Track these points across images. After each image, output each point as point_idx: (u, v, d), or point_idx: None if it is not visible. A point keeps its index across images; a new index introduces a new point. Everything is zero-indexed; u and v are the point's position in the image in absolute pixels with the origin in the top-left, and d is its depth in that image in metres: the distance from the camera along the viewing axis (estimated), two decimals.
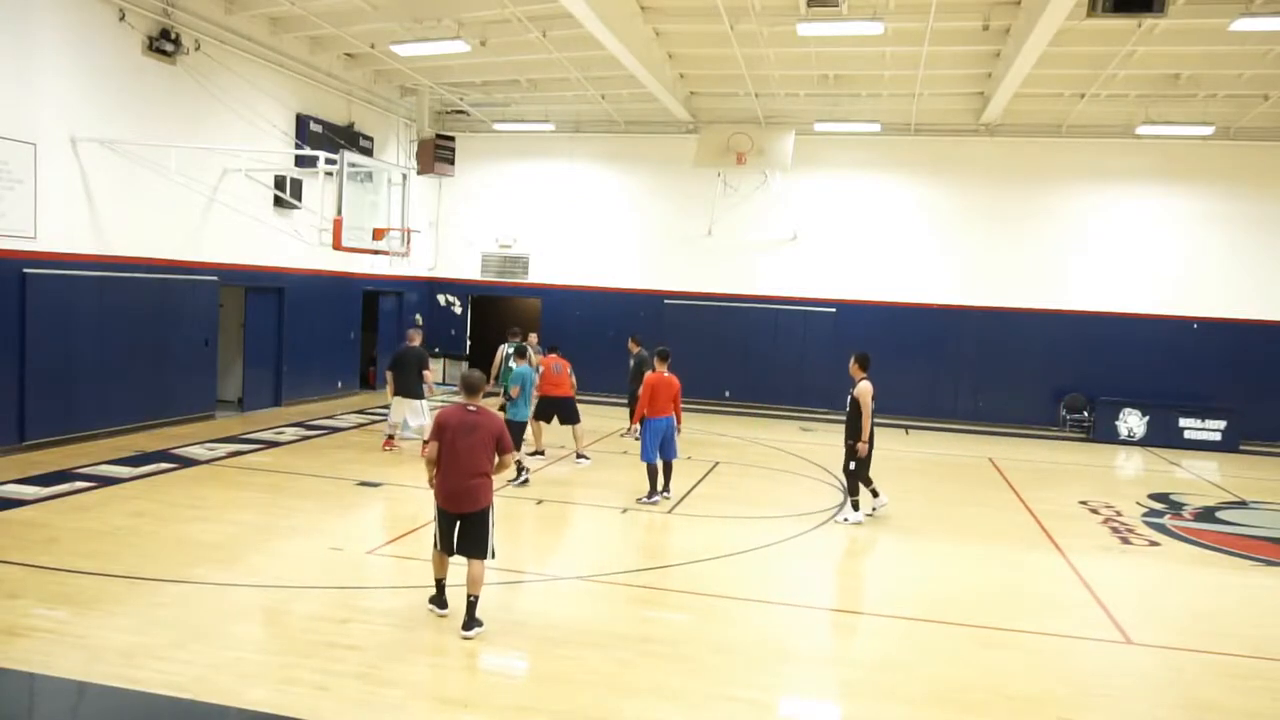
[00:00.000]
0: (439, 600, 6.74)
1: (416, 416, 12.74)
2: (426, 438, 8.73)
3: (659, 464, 10.79)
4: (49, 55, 11.59)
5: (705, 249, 20.01)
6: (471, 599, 6.37)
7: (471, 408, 6.53)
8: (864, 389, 10.29)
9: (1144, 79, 15.68)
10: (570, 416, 13.42)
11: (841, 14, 12.23)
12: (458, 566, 6.61)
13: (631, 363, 14.67)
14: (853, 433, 10.24)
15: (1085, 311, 18.65)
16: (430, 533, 6.84)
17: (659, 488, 10.79)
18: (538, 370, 13.12)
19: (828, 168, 19.49)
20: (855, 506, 10.32)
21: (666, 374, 10.79)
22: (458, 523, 6.50)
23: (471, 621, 6.34)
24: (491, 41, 14.94)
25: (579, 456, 13.21)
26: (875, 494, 10.63)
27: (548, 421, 13.51)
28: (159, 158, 12.81)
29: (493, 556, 6.60)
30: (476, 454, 6.39)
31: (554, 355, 13.64)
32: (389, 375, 12.96)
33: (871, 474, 10.53)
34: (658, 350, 11.21)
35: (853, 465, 10.26)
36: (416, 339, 13.21)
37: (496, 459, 6.53)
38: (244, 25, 14.70)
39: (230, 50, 14.45)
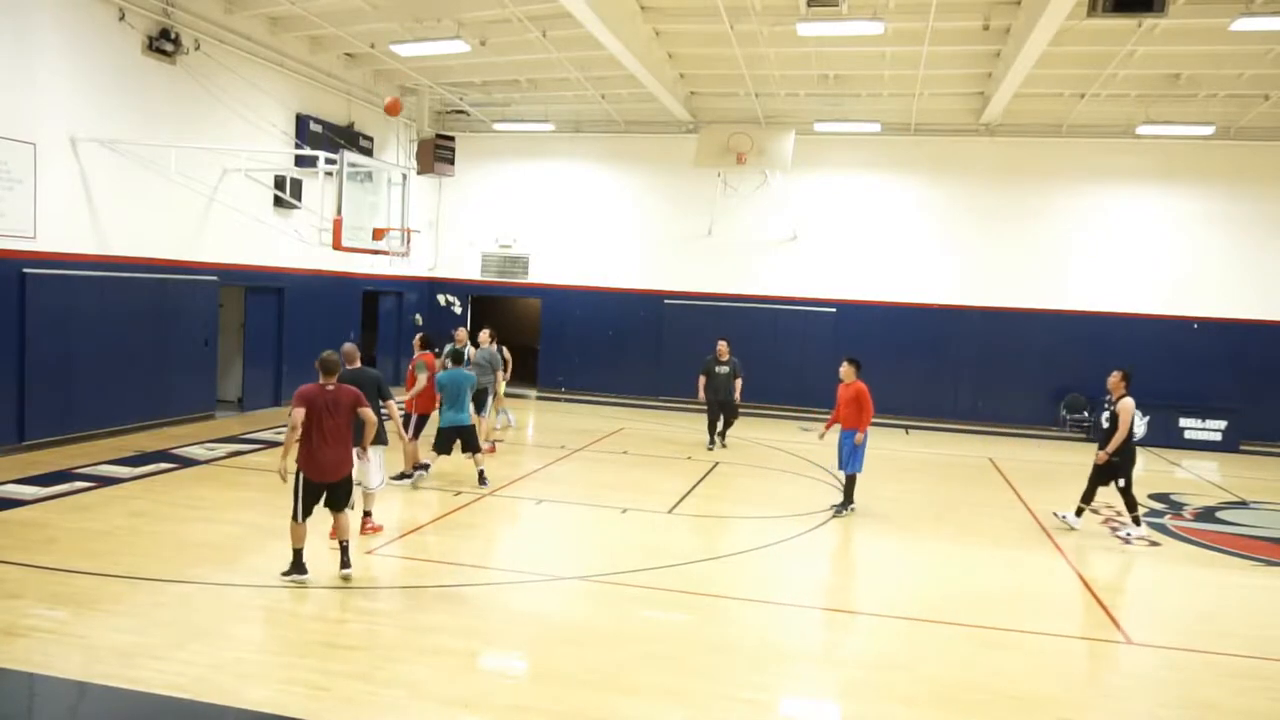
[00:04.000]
0: (299, 567, 7.22)
1: (377, 471, 8.92)
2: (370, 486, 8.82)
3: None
4: (49, 55, 11.58)
5: (705, 249, 20.01)
6: (344, 543, 7.38)
7: (330, 386, 7.22)
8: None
9: (1144, 79, 15.68)
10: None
11: (841, 14, 12.23)
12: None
13: (725, 369, 14.72)
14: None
15: (1085, 311, 18.65)
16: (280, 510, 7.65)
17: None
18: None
19: (828, 168, 19.48)
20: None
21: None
22: (324, 492, 7.32)
23: (348, 561, 7.31)
24: (491, 41, 14.93)
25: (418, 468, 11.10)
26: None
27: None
28: (159, 158, 12.81)
29: (352, 508, 7.61)
30: (342, 430, 7.22)
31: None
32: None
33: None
34: (852, 359, 10.87)
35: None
36: (355, 359, 9.06)
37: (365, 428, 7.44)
38: (244, 25, 14.69)
39: (230, 50, 14.45)
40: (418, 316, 21.15)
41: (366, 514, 8.86)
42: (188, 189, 13.44)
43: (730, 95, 18.19)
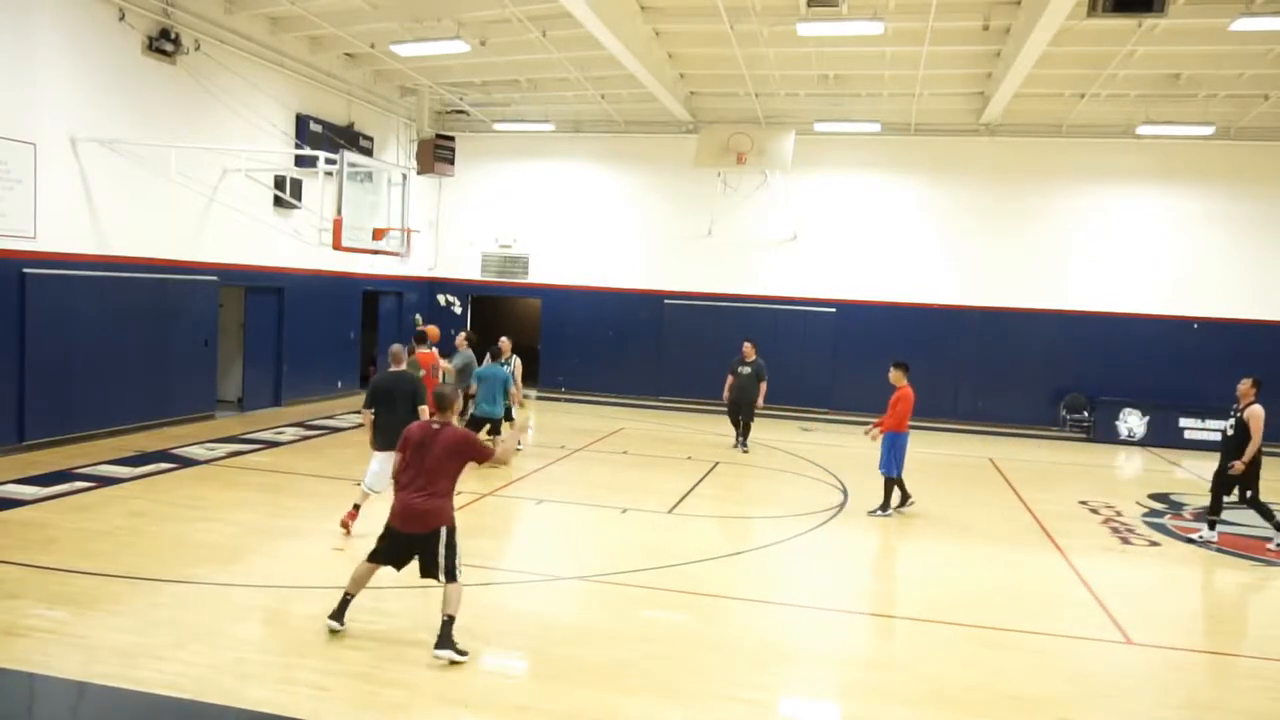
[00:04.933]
0: (338, 613, 6.18)
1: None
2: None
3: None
4: (49, 55, 11.58)
5: (705, 249, 20.01)
6: (448, 618, 5.94)
7: (435, 424, 6.19)
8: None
9: (1144, 79, 15.68)
10: None
11: (841, 14, 12.22)
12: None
13: (748, 370, 14.73)
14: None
15: (1085, 311, 18.65)
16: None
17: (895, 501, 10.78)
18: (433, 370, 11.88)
19: (828, 168, 19.48)
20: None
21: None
22: (407, 543, 6.12)
23: (443, 642, 5.87)
24: (491, 41, 14.93)
25: None
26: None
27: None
28: (159, 158, 12.80)
29: (450, 579, 6.04)
30: (434, 473, 6.08)
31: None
32: (368, 416, 8.75)
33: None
34: (900, 363, 10.96)
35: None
36: (402, 360, 9.05)
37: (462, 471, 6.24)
38: (244, 25, 14.69)
39: (230, 50, 14.45)
40: (418, 316, 21.15)
41: (355, 507, 8.80)
42: (188, 189, 13.44)
43: (730, 95, 18.19)
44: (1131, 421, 18.06)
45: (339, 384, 18.33)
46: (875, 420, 11.05)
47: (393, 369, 8.86)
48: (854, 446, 15.90)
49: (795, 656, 6.48)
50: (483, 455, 6.23)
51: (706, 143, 18.55)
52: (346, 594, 6.23)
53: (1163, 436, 17.74)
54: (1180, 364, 18.14)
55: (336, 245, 12.78)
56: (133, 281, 13.01)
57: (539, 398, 20.44)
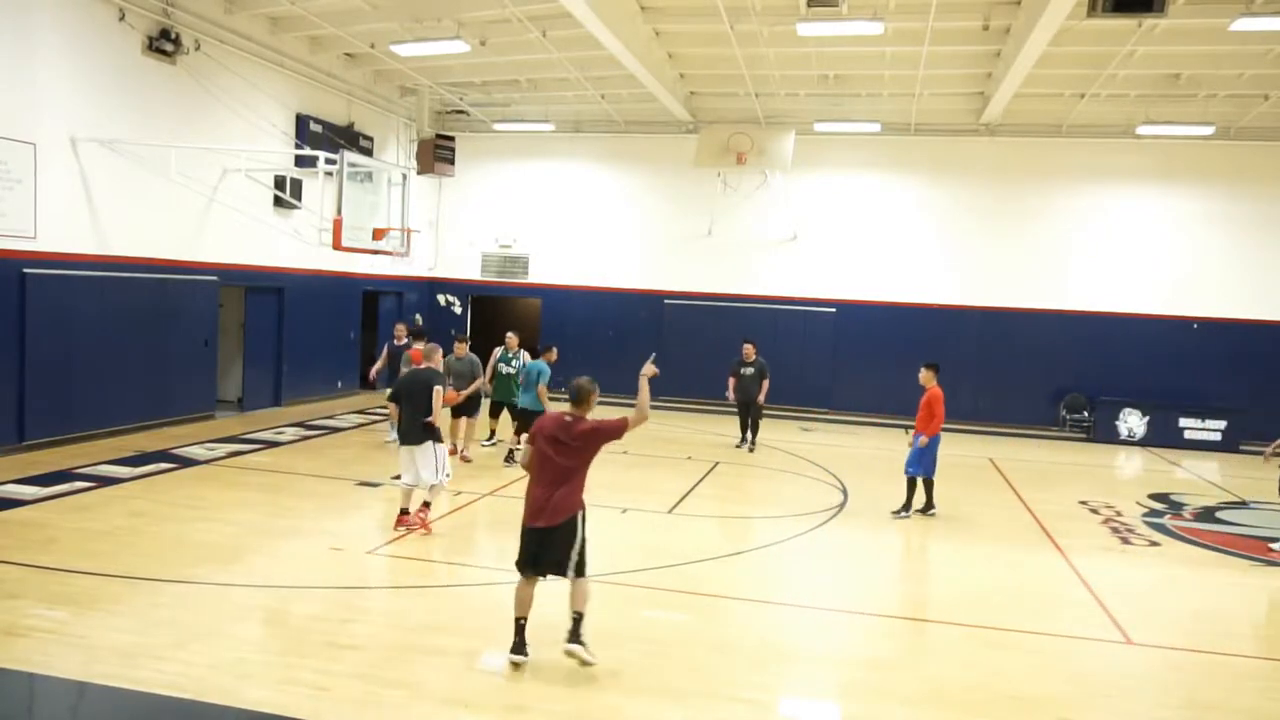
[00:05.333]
0: (518, 647, 5.84)
1: (429, 467, 9.00)
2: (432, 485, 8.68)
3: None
4: (49, 55, 11.58)
5: (705, 249, 20.01)
6: (577, 614, 5.86)
7: (569, 417, 5.99)
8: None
9: (1144, 79, 15.68)
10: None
11: (841, 14, 12.23)
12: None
13: (750, 370, 14.83)
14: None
15: (1085, 311, 18.65)
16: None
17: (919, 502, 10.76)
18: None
19: (828, 168, 19.48)
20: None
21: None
22: (539, 538, 5.92)
23: (575, 636, 5.82)
24: (491, 41, 14.93)
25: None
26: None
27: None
28: (159, 158, 12.80)
29: (579, 574, 5.90)
30: (567, 467, 5.89)
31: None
32: (393, 410, 9.44)
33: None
34: (931, 364, 10.95)
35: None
36: (434, 356, 9.41)
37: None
38: (244, 25, 14.69)
39: (230, 50, 14.45)
40: (418, 317, 21.15)
41: (424, 504, 9.06)
42: (188, 189, 13.44)
43: (730, 95, 18.19)
44: (1131, 421, 18.06)
45: (339, 384, 18.33)
46: (913, 426, 10.93)
47: (414, 367, 9.42)
48: (854, 446, 15.91)
49: (795, 656, 6.47)
50: (619, 429, 5.91)
51: (706, 143, 18.55)
52: (518, 619, 5.89)
53: (1163, 436, 17.75)
54: (1180, 364, 18.15)
55: (336, 245, 12.79)
56: (133, 281, 13.01)
57: None
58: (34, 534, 8.12)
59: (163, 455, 11.74)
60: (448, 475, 9.21)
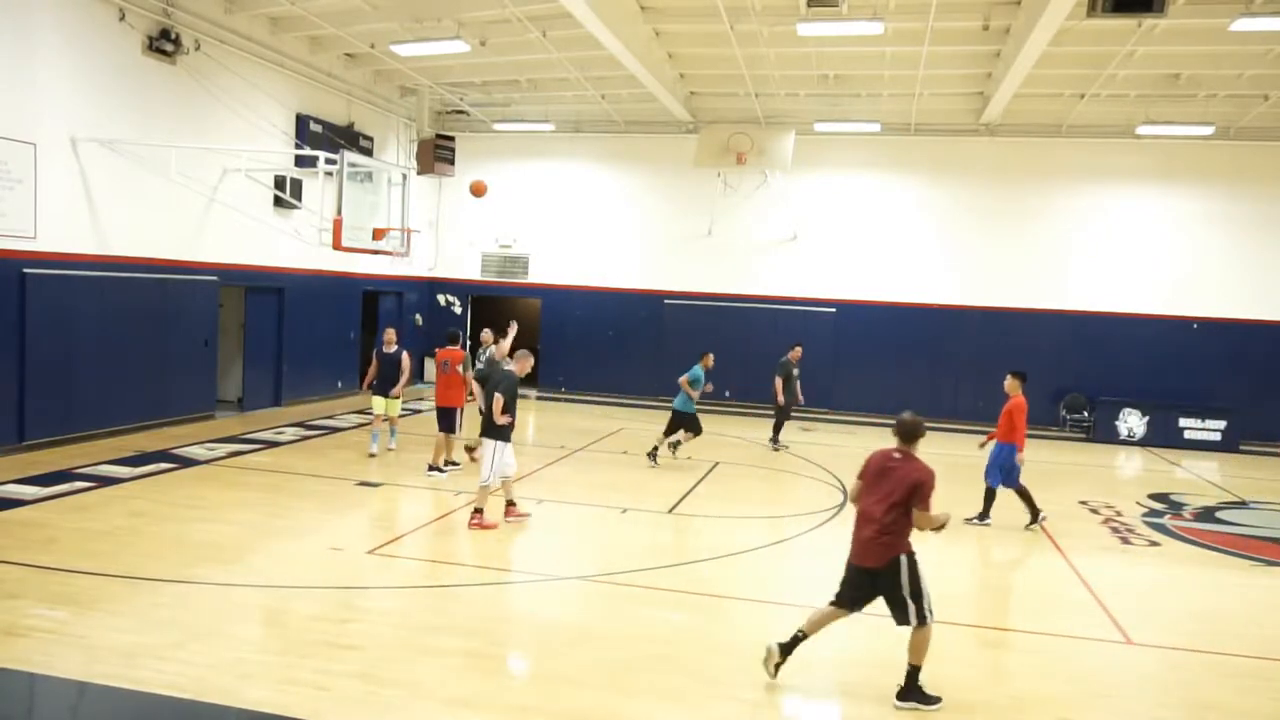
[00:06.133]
0: (787, 646, 5.78)
1: (485, 464, 9.26)
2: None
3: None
4: (49, 55, 11.58)
5: (705, 249, 20.01)
6: (912, 667, 5.65)
7: (897, 454, 5.87)
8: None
9: (1144, 79, 15.68)
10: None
11: (841, 14, 12.23)
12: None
13: (797, 372, 15.07)
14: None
15: (1085, 311, 18.65)
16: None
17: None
18: (444, 367, 11.87)
19: (828, 168, 19.49)
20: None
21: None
22: (859, 579, 5.81)
23: (906, 692, 5.61)
24: (491, 41, 14.93)
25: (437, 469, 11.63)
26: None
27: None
28: (159, 158, 12.80)
29: (921, 622, 5.67)
30: (888, 506, 5.74)
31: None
32: (476, 390, 10.33)
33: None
34: (1017, 372, 10.56)
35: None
36: (522, 361, 9.61)
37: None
38: (244, 25, 14.69)
39: (230, 50, 14.45)
40: (418, 317, 21.16)
41: (478, 511, 9.18)
42: (188, 189, 13.44)
43: (730, 95, 18.19)
44: (1131, 421, 18.06)
45: (339, 384, 18.33)
46: (989, 433, 10.78)
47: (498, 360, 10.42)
48: (854, 446, 15.89)
49: (795, 656, 6.47)
50: (924, 506, 5.75)
51: (706, 143, 18.56)
52: (801, 631, 5.81)
53: (1163, 436, 17.75)
54: (1180, 364, 18.15)
55: (336, 245, 12.79)
56: (133, 281, 13.01)
57: (539, 397, 20.43)
58: (34, 534, 8.12)
59: (163, 455, 11.74)
60: (496, 477, 9.22)
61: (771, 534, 9.74)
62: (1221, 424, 17.67)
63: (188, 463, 11.49)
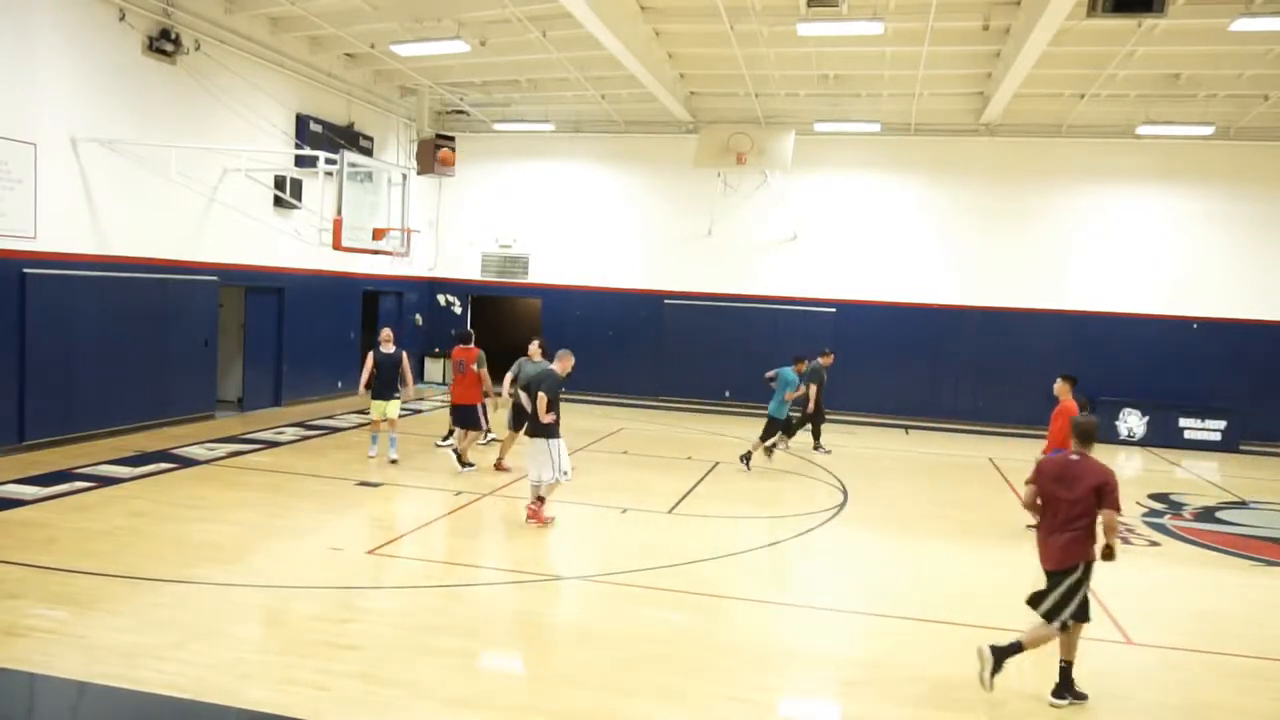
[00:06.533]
0: (1001, 654, 5.69)
1: (546, 466, 9.25)
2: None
3: None
4: (49, 55, 11.58)
5: (705, 249, 20.01)
6: (1064, 664, 5.70)
7: (1074, 456, 5.83)
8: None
9: (1144, 79, 15.68)
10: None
11: (841, 14, 12.23)
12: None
13: (816, 385, 14.63)
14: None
15: (1085, 311, 18.65)
16: None
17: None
18: (460, 366, 12.02)
19: (828, 168, 19.49)
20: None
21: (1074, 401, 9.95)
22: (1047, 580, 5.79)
23: (1060, 689, 5.66)
24: (491, 41, 14.94)
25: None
26: None
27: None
28: (159, 158, 12.80)
29: (1062, 627, 5.66)
30: (1070, 511, 5.71)
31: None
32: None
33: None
34: (1067, 376, 10.15)
35: None
36: (564, 360, 9.57)
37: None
38: (244, 25, 14.70)
39: (230, 50, 14.45)
40: (418, 317, 21.16)
41: (538, 499, 9.37)
42: (188, 189, 13.44)
43: (730, 95, 18.19)
44: (1131, 421, 18.06)
45: (339, 384, 18.31)
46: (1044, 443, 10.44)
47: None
48: (854, 446, 15.90)
49: (795, 656, 6.47)
50: (1113, 507, 5.67)
51: (706, 143, 18.56)
52: (1018, 644, 5.75)
53: (1163, 436, 17.75)
54: (1180, 364, 18.15)
55: (336, 245, 12.79)
56: (133, 281, 13.01)
57: None
58: (34, 534, 8.13)
59: (163, 455, 11.74)
60: (565, 473, 9.30)
61: (771, 534, 9.74)
62: (1221, 424, 17.68)
63: (188, 463, 11.49)
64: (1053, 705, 5.61)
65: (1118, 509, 5.67)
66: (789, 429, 13.60)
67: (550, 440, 9.17)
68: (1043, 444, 17.30)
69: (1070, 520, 5.68)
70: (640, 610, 7.15)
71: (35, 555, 7.52)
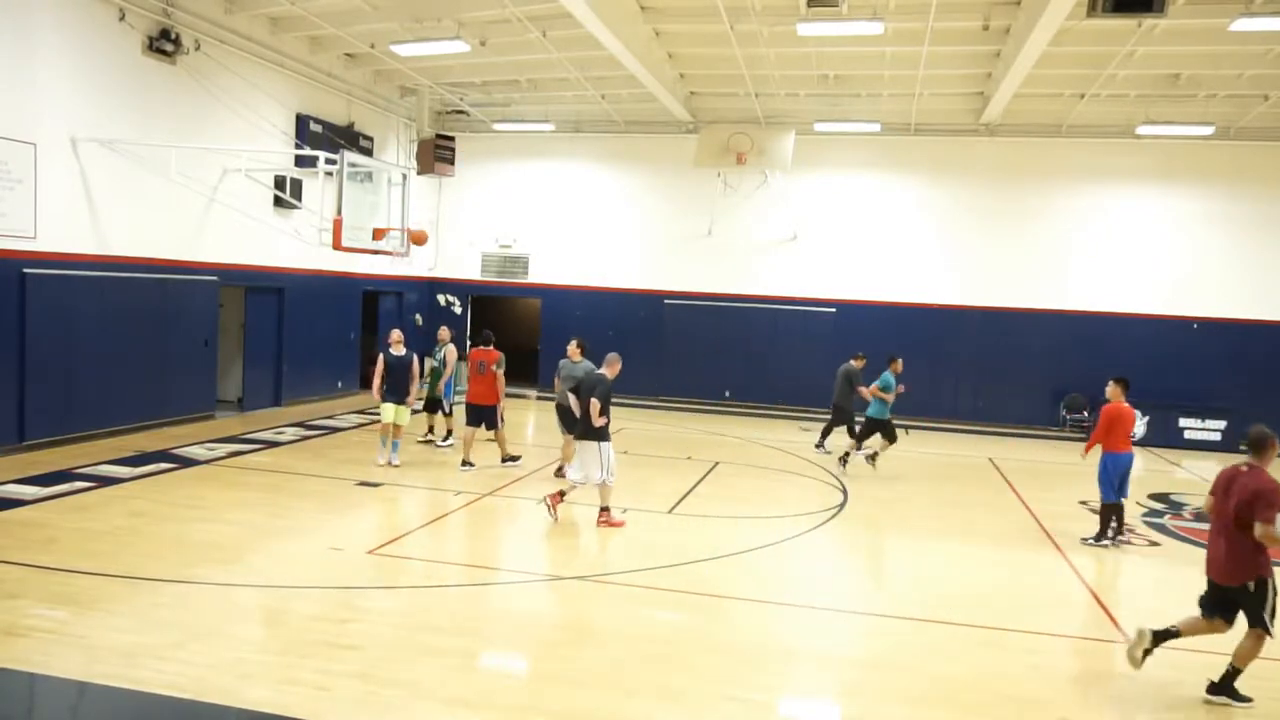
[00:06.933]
0: (1161, 640, 5.88)
1: (595, 466, 9.50)
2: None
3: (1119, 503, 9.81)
4: (49, 55, 11.58)
5: (705, 249, 20.01)
6: (1228, 668, 5.78)
7: (1244, 467, 5.82)
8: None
9: (1144, 79, 15.69)
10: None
11: (841, 14, 12.23)
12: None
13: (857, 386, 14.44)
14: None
15: (1085, 311, 18.65)
16: None
17: (1111, 530, 9.81)
18: (480, 367, 12.07)
19: (828, 168, 19.49)
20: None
21: (1125, 404, 9.78)
22: (1220, 593, 5.81)
23: (1217, 686, 5.76)
24: (491, 41, 14.94)
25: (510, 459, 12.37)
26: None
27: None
28: (159, 158, 12.80)
29: (1263, 628, 5.64)
30: (1233, 520, 5.67)
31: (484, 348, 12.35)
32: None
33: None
34: (1118, 379, 9.94)
35: None
36: (613, 365, 9.78)
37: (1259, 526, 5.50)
38: (244, 25, 14.70)
39: (230, 50, 14.45)
40: (418, 317, 21.15)
41: (602, 509, 9.58)
42: (188, 189, 13.44)
43: (730, 95, 18.19)
44: None
45: (339, 384, 18.33)
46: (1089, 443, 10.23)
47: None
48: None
49: (795, 656, 6.47)
50: (1266, 518, 5.51)
51: (706, 143, 18.56)
52: (1175, 628, 5.84)
53: (1163, 436, 17.74)
54: (1180, 364, 18.15)
55: (336, 245, 12.77)
56: (133, 281, 13.01)
57: (539, 397, 20.43)
58: (34, 534, 8.12)
59: (163, 455, 11.74)
60: (612, 475, 9.51)
61: (771, 534, 9.73)
62: (1221, 424, 17.67)
63: (188, 463, 11.49)
64: (1209, 700, 5.73)
65: (1266, 521, 5.50)
66: (890, 433, 13.33)
67: (601, 443, 9.42)
68: (1042, 443, 17.36)
69: (1232, 530, 5.69)
70: (640, 610, 7.14)
71: (35, 555, 7.52)
